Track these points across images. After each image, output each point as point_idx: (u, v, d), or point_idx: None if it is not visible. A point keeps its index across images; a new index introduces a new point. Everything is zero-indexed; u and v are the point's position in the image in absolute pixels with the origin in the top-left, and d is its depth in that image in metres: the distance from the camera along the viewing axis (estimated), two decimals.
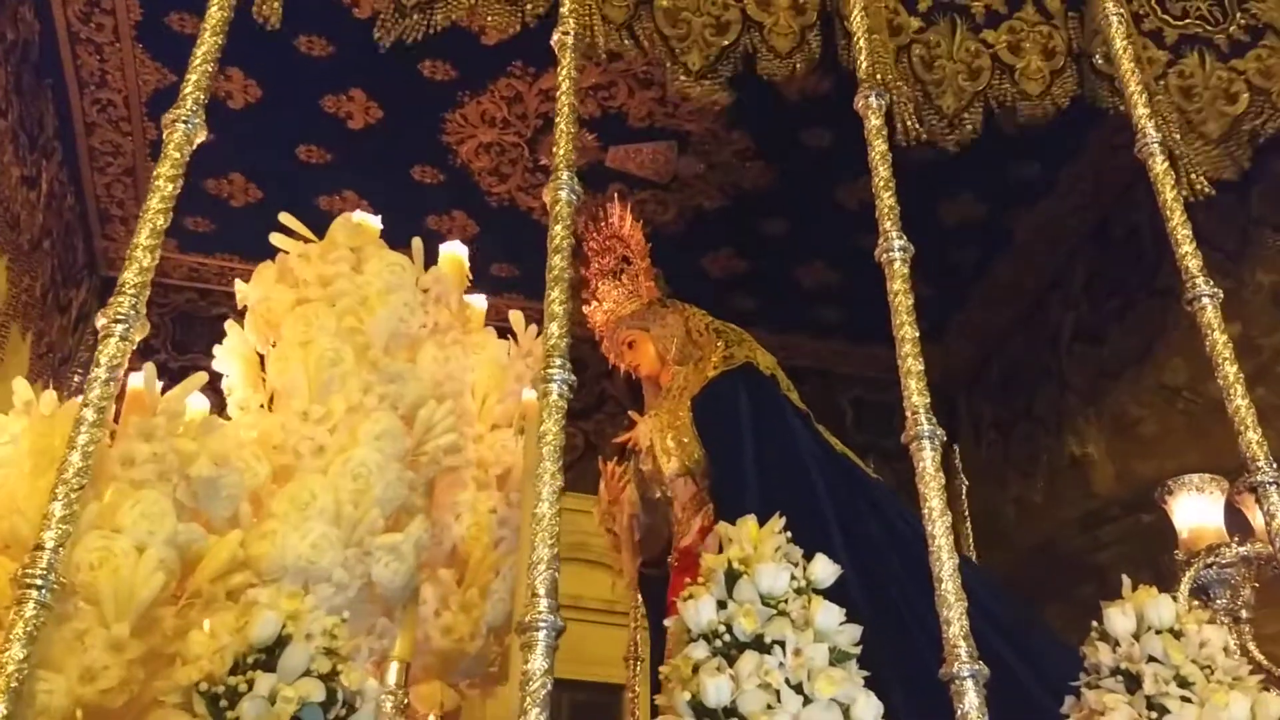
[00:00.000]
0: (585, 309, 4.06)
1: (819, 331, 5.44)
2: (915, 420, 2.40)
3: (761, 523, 3.02)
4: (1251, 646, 2.68)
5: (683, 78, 3.20)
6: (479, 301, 3.19)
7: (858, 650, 2.00)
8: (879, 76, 3.02)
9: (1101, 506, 5.07)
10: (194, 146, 2.52)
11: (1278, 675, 2.57)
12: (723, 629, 1.94)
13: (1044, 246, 5.00)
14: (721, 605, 2.01)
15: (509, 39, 3.81)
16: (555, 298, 2.46)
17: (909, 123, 3.40)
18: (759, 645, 1.93)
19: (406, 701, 2.33)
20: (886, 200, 2.78)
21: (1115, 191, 4.62)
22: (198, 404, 2.64)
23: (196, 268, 5.18)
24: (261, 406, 2.54)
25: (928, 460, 2.34)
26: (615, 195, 4.34)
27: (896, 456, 5.81)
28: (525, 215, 4.78)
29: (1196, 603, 2.67)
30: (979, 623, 2.88)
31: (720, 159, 4.53)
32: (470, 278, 3.05)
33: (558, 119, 2.86)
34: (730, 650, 1.93)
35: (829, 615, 1.96)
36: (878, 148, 2.86)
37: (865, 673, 2.55)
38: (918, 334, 2.59)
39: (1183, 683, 1.98)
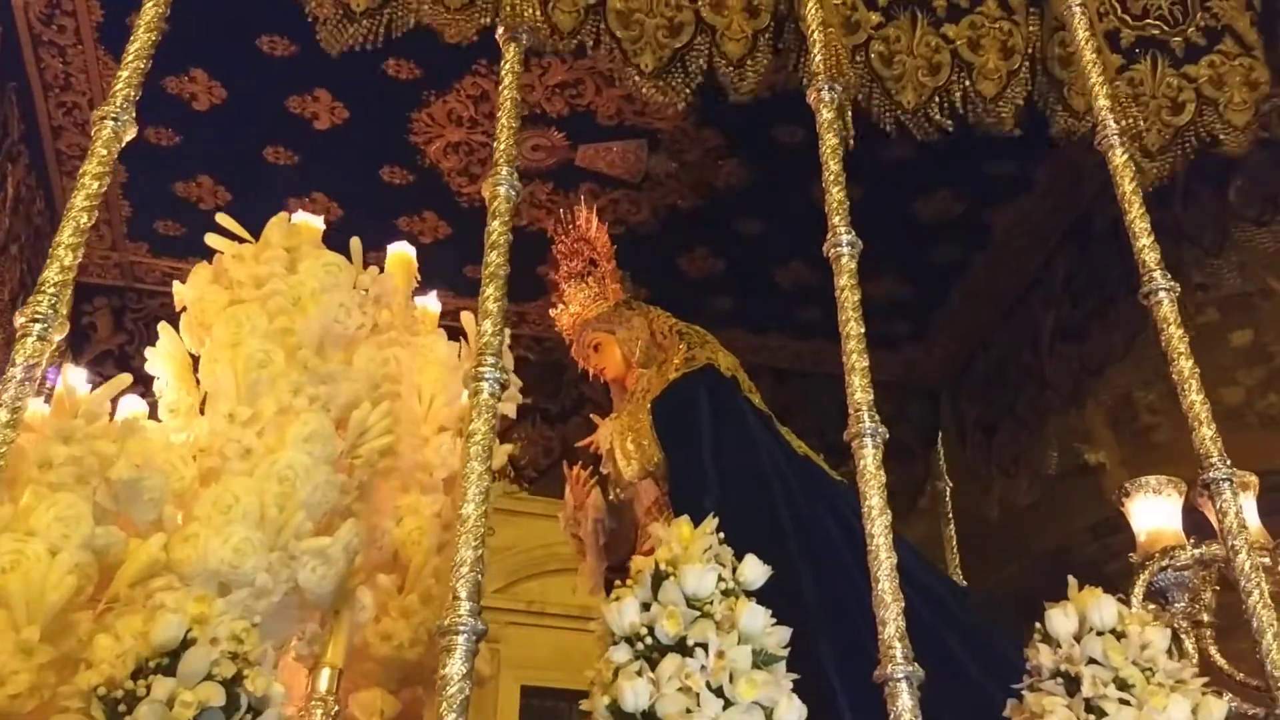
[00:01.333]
0: (552, 312, 4.05)
1: (799, 332, 5.37)
2: (858, 418, 2.36)
3: (715, 526, 2.95)
4: (1213, 650, 2.62)
5: (636, 78, 3.16)
6: (432, 303, 3.14)
7: (785, 652, 1.95)
8: (833, 71, 2.96)
9: (1114, 515, 5.01)
10: (123, 144, 2.49)
11: (1239, 680, 2.50)
12: (645, 631, 1.89)
13: (1024, 244, 4.93)
14: (646, 607, 1.96)
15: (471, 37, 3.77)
16: (490, 294, 2.42)
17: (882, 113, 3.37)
18: (682, 648, 1.88)
19: (337, 708, 2.28)
20: (836, 195, 2.75)
21: (1095, 188, 4.54)
22: (135, 407, 2.61)
23: (170, 272, 5.13)
24: (199, 409, 2.51)
25: (869, 458, 2.29)
26: (583, 198, 4.30)
27: (885, 455, 5.76)
28: None
29: (1154, 606, 2.61)
30: (937, 623, 2.83)
31: (692, 157, 4.47)
32: (419, 279, 3.01)
33: (499, 113, 2.83)
34: (652, 653, 1.88)
35: (754, 618, 1.91)
36: (828, 142, 2.83)
37: (811, 668, 2.50)
38: (863, 330, 2.56)
39: (1122, 685, 1.92)
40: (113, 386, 2.17)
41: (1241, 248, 4.34)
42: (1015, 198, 4.66)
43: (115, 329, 4.98)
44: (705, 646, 1.87)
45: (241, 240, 2.63)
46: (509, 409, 2.99)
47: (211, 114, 4.30)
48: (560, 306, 3.91)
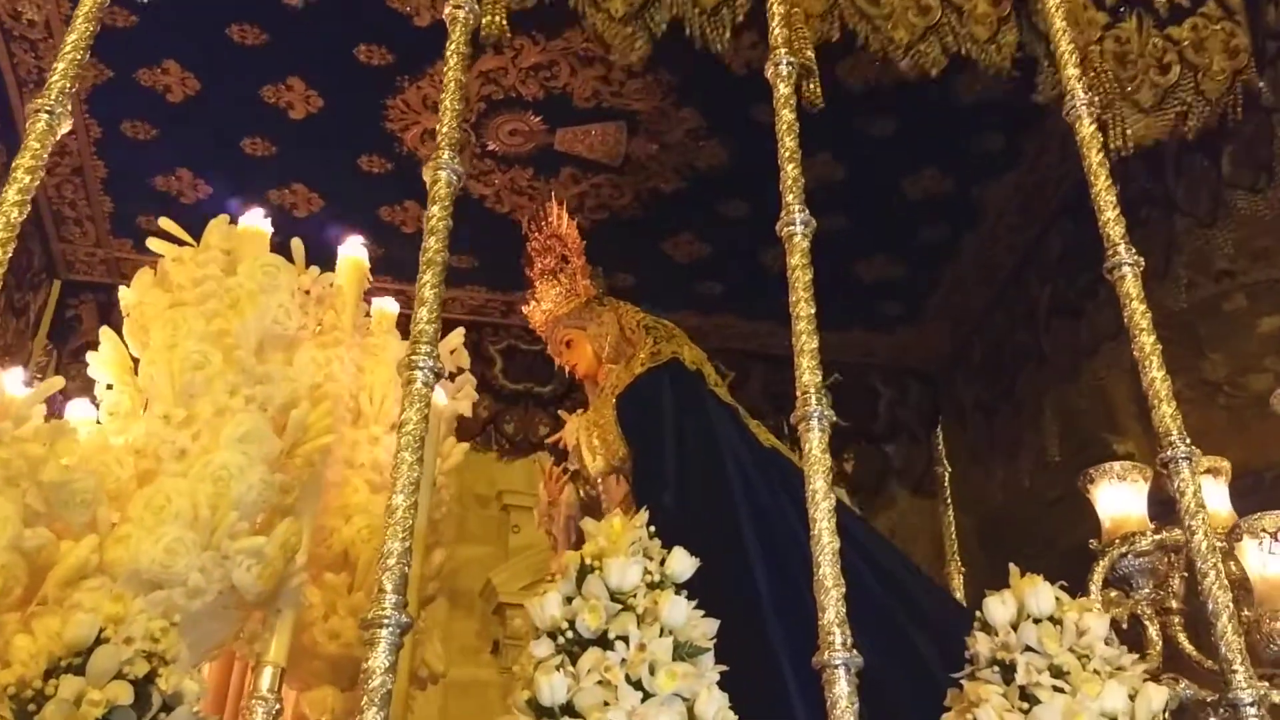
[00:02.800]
0: (525, 310, 4.04)
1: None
2: (805, 400, 2.30)
3: (675, 520, 2.93)
4: (1182, 638, 2.56)
5: (602, 21, 3.11)
6: (390, 305, 3.10)
7: (710, 644, 1.91)
8: (791, 43, 2.90)
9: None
10: (57, 137, 2.46)
11: (1207, 668, 2.44)
12: (566, 625, 1.86)
13: (1016, 220, 4.84)
14: (571, 602, 1.93)
15: (442, 20, 3.73)
16: (427, 281, 2.37)
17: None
18: (604, 642, 1.84)
19: (279, 706, 2.26)
20: (791, 172, 2.68)
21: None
22: (85, 412, 2.59)
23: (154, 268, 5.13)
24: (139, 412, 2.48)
25: (815, 441, 2.23)
26: (562, 184, 4.28)
27: (883, 439, 5.68)
28: (478, 204, 4.69)
29: (1117, 593, 2.55)
30: (898, 610, 2.79)
31: (672, 139, 4.41)
32: (371, 279, 2.98)
33: (443, 95, 2.77)
34: (573, 647, 1.85)
35: (676, 610, 1.86)
36: (784, 117, 2.75)
37: (764, 658, 2.45)
38: (814, 311, 2.50)
39: (1058, 672, 1.87)
40: (44, 389, 2.15)
41: (1238, 217, 4.24)
42: (1004, 173, 4.57)
43: (101, 321, 4.98)
44: (627, 640, 1.83)
45: (183, 243, 2.61)
46: (465, 408, 2.95)
47: (186, 106, 4.27)
48: (533, 304, 3.92)
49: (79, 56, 2.52)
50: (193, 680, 1.77)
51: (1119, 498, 2.65)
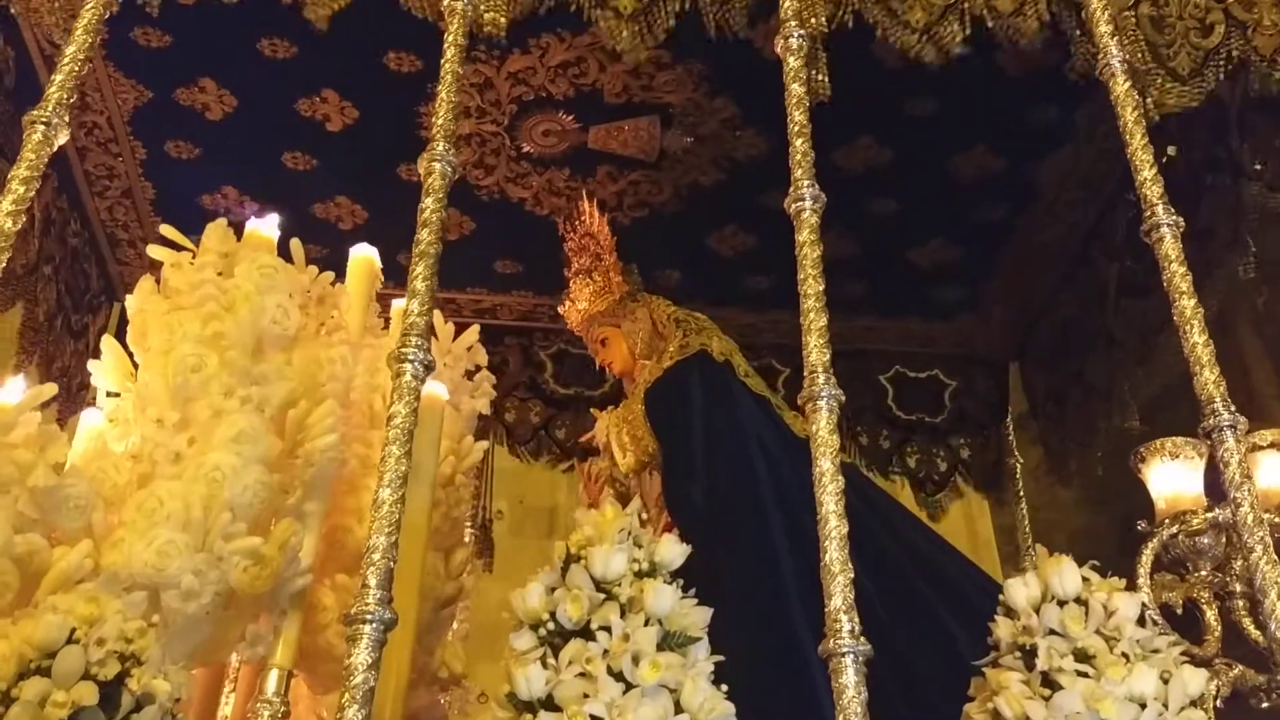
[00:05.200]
0: (561, 310, 4.01)
1: (845, 308, 5.14)
2: (813, 379, 2.19)
3: (702, 513, 2.84)
4: (1246, 622, 2.36)
5: (610, 20, 3.04)
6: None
7: (702, 633, 1.81)
8: (802, 15, 2.79)
9: None
10: (54, 149, 2.46)
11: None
12: (547, 616, 1.78)
13: (1077, 196, 4.61)
14: (554, 592, 1.85)
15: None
16: (419, 273, 2.33)
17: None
18: (586, 633, 1.76)
19: (285, 709, 2.21)
20: (800, 147, 2.59)
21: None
22: (93, 420, 2.59)
23: None
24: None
25: (823, 421, 2.12)
26: (584, 193, 4.22)
27: (949, 432, 5.46)
28: (518, 207, 4.64)
29: (1171, 577, 2.37)
30: (938, 601, 2.65)
31: (707, 130, 4.31)
32: (383, 280, 2.95)
33: (440, 87, 2.74)
34: (555, 639, 1.77)
35: (662, 598, 1.77)
36: (794, 91, 2.66)
37: (788, 642, 2.35)
38: (822, 288, 2.38)
39: (1082, 656, 1.72)
40: (33, 397, 2.14)
41: None
42: (1059, 147, 4.36)
43: None
44: (610, 630, 1.74)
45: (183, 249, 2.61)
46: (482, 405, 2.90)
47: (226, 123, 4.31)
48: (568, 303, 3.90)
49: (77, 68, 2.53)
50: (166, 681, 1.73)
51: (1172, 476, 2.47)
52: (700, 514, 2.82)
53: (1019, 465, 5.29)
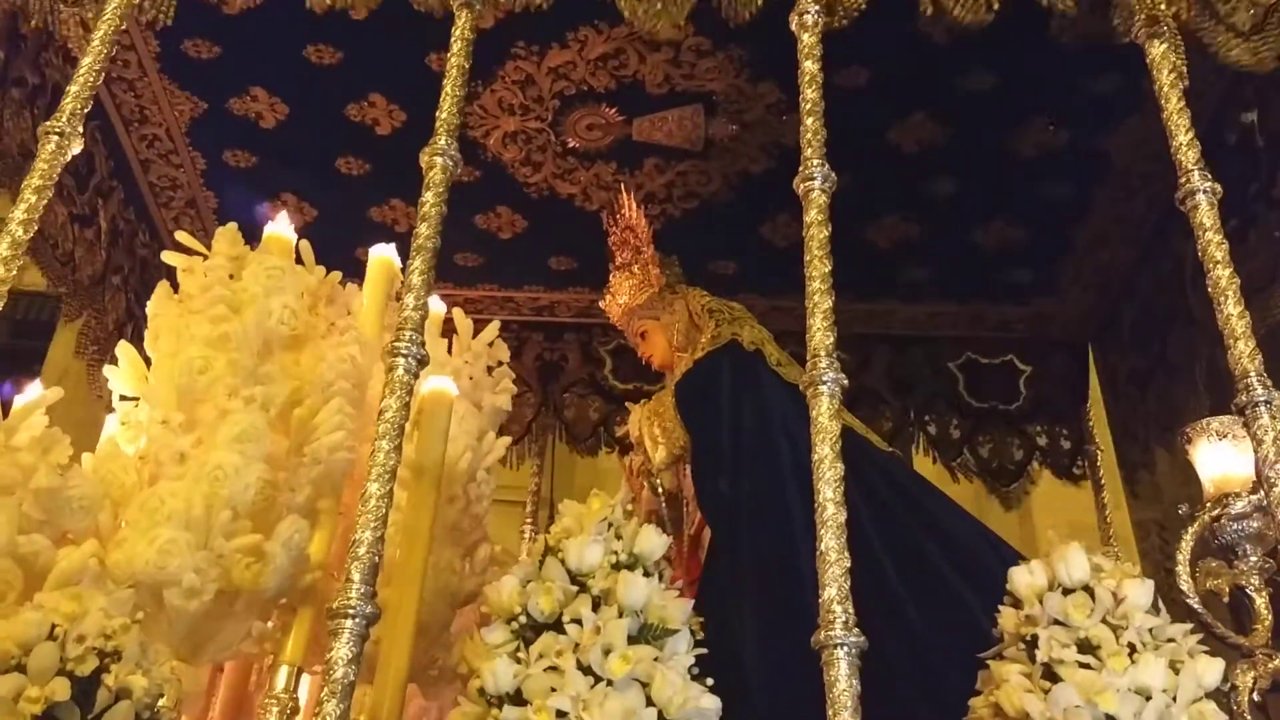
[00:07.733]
0: (602, 304, 3.97)
1: (908, 295, 5.00)
2: (815, 363, 2.10)
3: (729, 504, 2.78)
4: None
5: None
6: (436, 305, 3.05)
7: (680, 625, 1.74)
8: None
9: None
10: (68, 158, 2.51)
11: None
12: (519, 610, 1.73)
13: (1149, 168, 4.38)
14: (528, 585, 1.80)
15: (504, 19, 3.68)
16: (416, 268, 2.31)
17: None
18: (559, 626, 1.71)
19: (294, 706, 2.21)
20: (811, 125, 2.51)
21: (1217, 93, 4.00)
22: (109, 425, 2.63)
23: None
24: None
25: (824, 406, 2.03)
26: (623, 187, 4.17)
27: (1025, 419, 5.25)
28: (568, 204, 4.62)
29: (1218, 563, 2.22)
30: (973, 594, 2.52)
31: (753, 116, 4.21)
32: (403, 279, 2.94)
33: (445, 81, 2.72)
34: (527, 632, 1.72)
35: (635, 590, 1.71)
36: (807, 69, 2.58)
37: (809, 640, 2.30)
38: (829, 269, 2.30)
39: (1085, 647, 1.61)
40: (39, 401, 2.18)
41: None
42: (1125, 117, 4.15)
43: None
44: (581, 623, 1.69)
45: (195, 254, 2.64)
46: (504, 402, 2.86)
47: (279, 131, 4.38)
48: (609, 297, 3.86)
49: (93, 79, 2.58)
50: (144, 677, 1.74)
51: (1220, 457, 2.32)
52: (726, 505, 2.75)
53: (1099, 452, 5.06)
